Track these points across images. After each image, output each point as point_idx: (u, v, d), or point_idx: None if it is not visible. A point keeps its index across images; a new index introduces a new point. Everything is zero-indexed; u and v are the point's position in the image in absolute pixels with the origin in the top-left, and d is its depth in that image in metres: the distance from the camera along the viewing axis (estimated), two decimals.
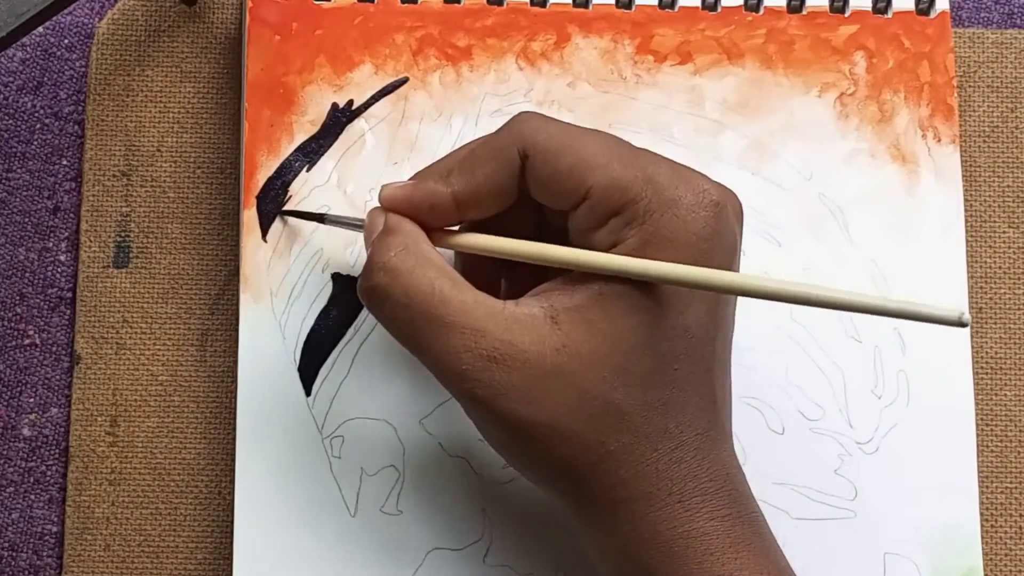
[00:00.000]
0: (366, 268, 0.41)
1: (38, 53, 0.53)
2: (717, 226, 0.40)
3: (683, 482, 0.39)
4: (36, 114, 0.52)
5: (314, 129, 0.49)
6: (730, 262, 0.41)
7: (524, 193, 0.42)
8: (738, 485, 0.41)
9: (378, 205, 0.43)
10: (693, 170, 0.41)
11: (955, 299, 0.49)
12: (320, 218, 0.48)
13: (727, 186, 0.41)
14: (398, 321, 0.41)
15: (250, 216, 0.49)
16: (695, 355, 0.40)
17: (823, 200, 0.50)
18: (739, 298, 0.43)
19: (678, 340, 0.40)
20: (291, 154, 0.49)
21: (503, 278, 0.46)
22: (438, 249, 0.42)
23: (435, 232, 0.43)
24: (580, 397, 0.39)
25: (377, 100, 0.50)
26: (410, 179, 0.44)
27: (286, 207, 0.49)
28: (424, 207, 0.42)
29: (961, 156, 0.51)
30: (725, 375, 0.42)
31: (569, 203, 0.41)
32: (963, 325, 0.36)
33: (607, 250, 0.40)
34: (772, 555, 0.40)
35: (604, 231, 0.40)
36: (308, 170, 0.49)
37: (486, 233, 0.42)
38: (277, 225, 0.49)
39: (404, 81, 0.50)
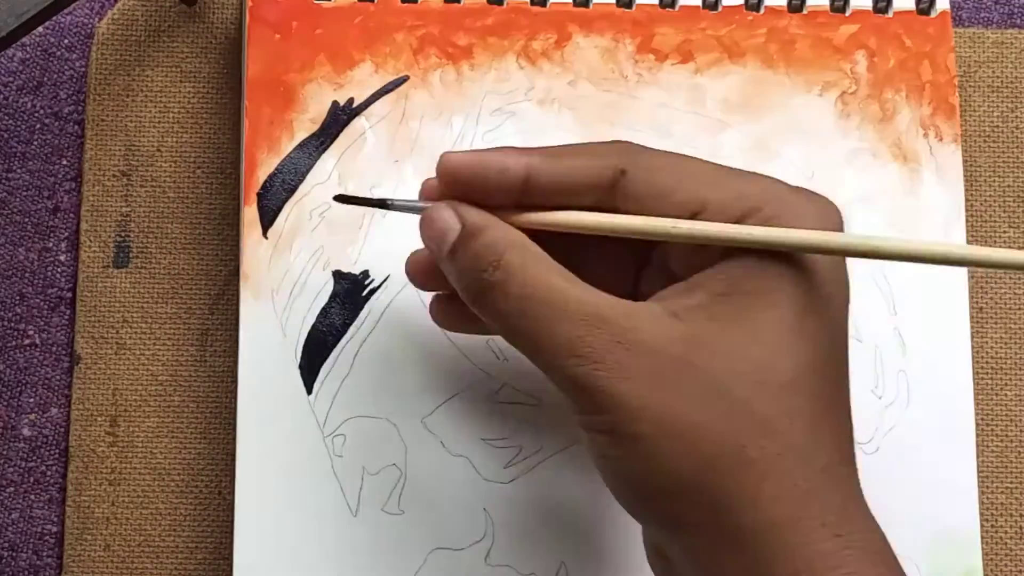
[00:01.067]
0: (468, 270, 0.39)
1: (38, 53, 0.53)
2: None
3: (839, 511, 0.35)
4: (36, 114, 0.52)
5: (315, 127, 0.49)
6: (848, 283, 0.38)
7: (600, 207, 0.39)
8: (878, 527, 0.36)
9: (439, 201, 0.40)
10: (811, 190, 0.39)
11: (958, 300, 0.50)
12: (382, 204, 0.43)
13: None
14: (514, 317, 0.38)
15: (251, 213, 0.48)
16: (830, 369, 0.37)
17: None
18: None
19: (820, 348, 0.36)
20: (292, 151, 0.49)
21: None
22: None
23: (516, 210, 0.40)
24: (715, 391, 0.35)
25: (377, 99, 0.50)
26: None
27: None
28: (492, 171, 0.39)
29: (962, 155, 0.51)
30: (850, 405, 0.38)
31: (679, 213, 0.38)
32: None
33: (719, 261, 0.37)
34: None
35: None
36: (309, 169, 0.49)
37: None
38: (278, 222, 0.49)
39: (404, 80, 0.50)
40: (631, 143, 0.39)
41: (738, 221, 0.37)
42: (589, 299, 0.37)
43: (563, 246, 0.40)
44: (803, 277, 0.37)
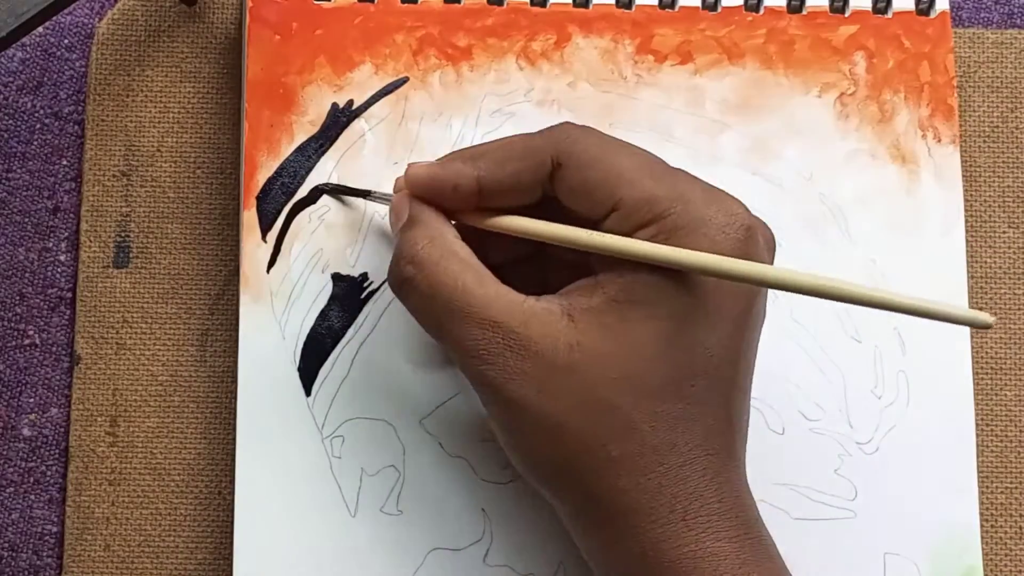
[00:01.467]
0: (395, 259, 0.43)
1: (38, 53, 0.53)
2: (746, 249, 0.40)
3: (688, 500, 0.39)
4: (36, 114, 0.52)
5: (314, 129, 0.49)
6: (755, 290, 0.41)
7: (547, 196, 0.43)
8: (748, 510, 0.41)
9: (403, 188, 0.44)
10: (728, 194, 0.41)
11: (958, 300, 0.50)
12: (365, 194, 0.48)
13: (760, 218, 0.41)
14: (423, 311, 0.42)
15: (250, 216, 0.49)
16: (713, 375, 0.40)
17: (823, 200, 0.50)
18: (763, 327, 0.43)
19: (697, 356, 0.40)
20: (291, 154, 0.49)
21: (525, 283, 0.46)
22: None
23: (468, 212, 0.44)
24: (588, 396, 0.39)
25: (377, 100, 0.50)
26: (438, 160, 0.44)
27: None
28: (448, 187, 0.43)
29: (961, 156, 0.51)
30: (743, 402, 0.42)
31: (598, 213, 0.41)
32: (986, 327, 0.37)
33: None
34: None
35: None
36: (308, 172, 0.49)
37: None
38: (277, 225, 0.49)
39: (404, 81, 0.50)
40: (572, 129, 0.42)
41: (644, 225, 0.40)
42: (488, 301, 0.41)
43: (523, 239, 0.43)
44: (686, 291, 0.40)
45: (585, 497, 0.40)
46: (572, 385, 0.39)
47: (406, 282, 0.42)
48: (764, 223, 0.41)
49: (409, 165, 0.44)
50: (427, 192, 0.43)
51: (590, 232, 0.41)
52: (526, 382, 0.40)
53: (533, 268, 0.45)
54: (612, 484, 0.39)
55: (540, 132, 0.43)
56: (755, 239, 0.40)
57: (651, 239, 0.40)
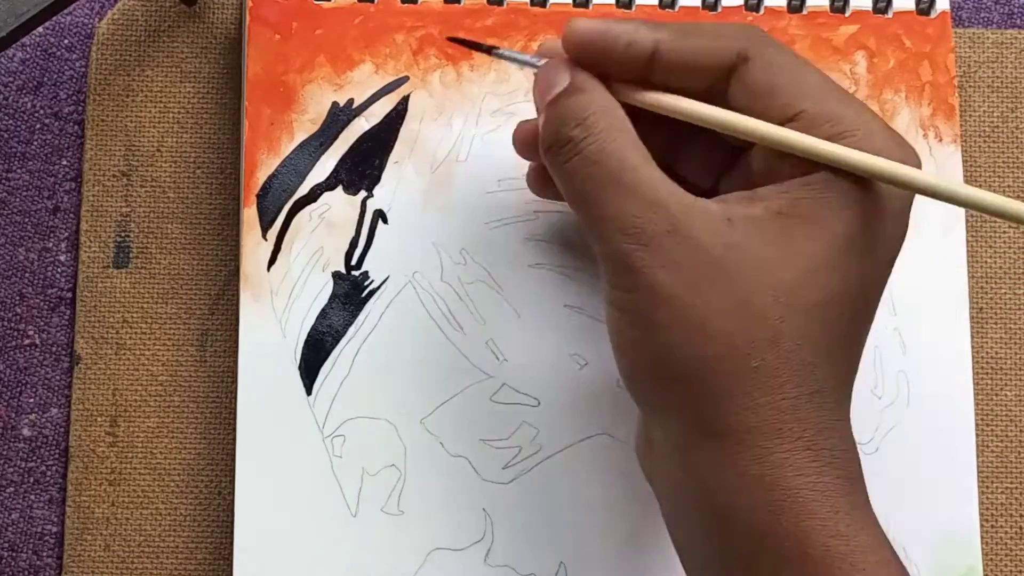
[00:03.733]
0: (556, 119, 0.40)
1: (38, 53, 0.53)
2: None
3: (815, 431, 0.37)
4: (36, 114, 0.52)
5: (314, 128, 0.49)
6: (906, 224, 0.40)
7: (712, 91, 0.40)
8: (858, 455, 0.39)
9: (557, 58, 0.41)
10: (906, 141, 0.40)
11: (958, 300, 0.50)
12: (489, 50, 0.45)
13: None
14: (581, 178, 0.39)
15: (250, 214, 0.49)
16: (860, 306, 0.39)
17: None
18: None
19: (852, 285, 0.38)
20: (291, 152, 0.49)
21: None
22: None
23: (628, 85, 0.41)
24: (740, 299, 0.37)
25: (378, 99, 0.50)
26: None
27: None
28: (620, 44, 0.40)
29: (961, 156, 0.51)
30: (865, 341, 0.40)
31: (775, 119, 0.39)
32: None
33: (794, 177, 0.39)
34: (884, 537, 0.38)
35: (801, 159, 0.39)
36: (309, 170, 0.49)
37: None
38: (277, 223, 0.49)
39: (405, 80, 0.50)
40: (758, 29, 0.41)
41: (827, 140, 0.38)
42: (654, 182, 0.38)
43: (662, 132, 0.41)
44: (857, 213, 0.38)
45: (711, 406, 0.38)
46: (724, 285, 0.37)
47: (571, 143, 0.39)
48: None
49: (571, 20, 0.40)
50: (592, 49, 0.40)
51: (777, 127, 0.39)
52: (678, 272, 0.37)
53: (675, 174, 0.42)
54: (746, 396, 0.37)
55: (729, 23, 0.41)
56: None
57: None
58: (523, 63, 0.43)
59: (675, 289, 0.37)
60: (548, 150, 0.40)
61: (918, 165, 0.39)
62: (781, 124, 0.39)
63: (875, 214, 0.39)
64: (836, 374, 0.38)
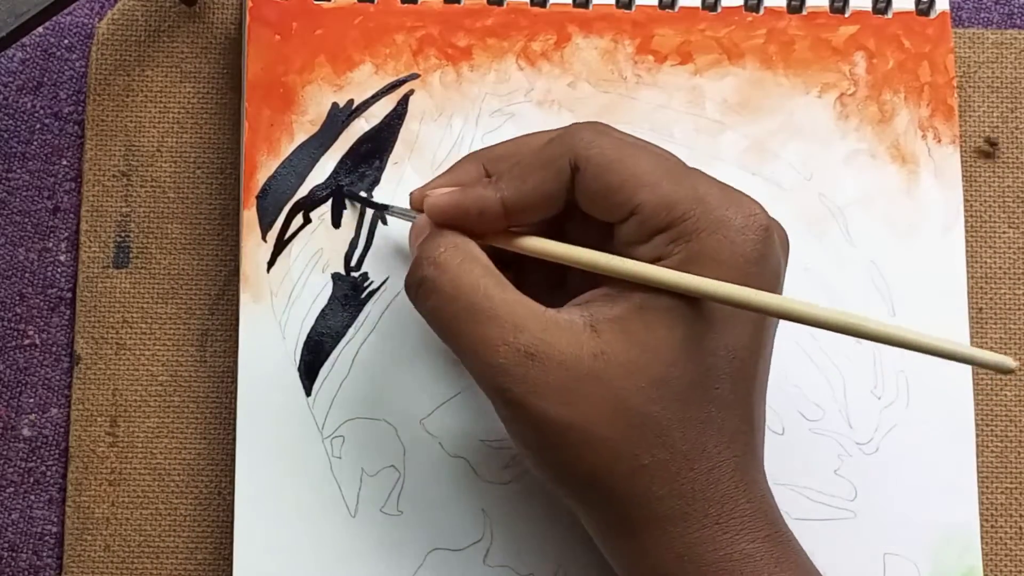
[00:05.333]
0: (415, 263, 0.42)
1: (38, 53, 0.53)
2: (764, 250, 0.39)
3: (720, 504, 0.39)
4: (36, 114, 0.52)
5: (314, 129, 0.49)
6: (774, 288, 0.40)
7: (571, 203, 0.42)
8: (774, 509, 0.41)
9: (421, 207, 0.44)
10: (743, 193, 0.41)
11: (958, 301, 0.49)
12: (383, 208, 0.48)
13: (774, 218, 0.41)
14: (442, 314, 0.41)
15: (250, 216, 0.49)
16: (737, 376, 0.40)
17: (823, 200, 0.50)
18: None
19: (721, 359, 0.39)
20: (291, 153, 0.49)
21: (545, 288, 0.45)
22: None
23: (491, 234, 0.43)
24: (616, 405, 0.39)
25: (380, 98, 0.50)
26: (449, 174, 0.44)
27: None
28: (473, 213, 0.42)
29: (961, 156, 0.51)
30: (763, 399, 0.42)
31: (617, 217, 0.40)
32: (1008, 371, 0.36)
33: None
34: (814, 573, 0.40)
35: (649, 246, 0.40)
36: (308, 172, 0.49)
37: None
38: (277, 225, 0.49)
39: (414, 77, 0.50)
40: (586, 131, 0.41)
41: (664, 229, 0.40)
42: (510, 306, 0.40)
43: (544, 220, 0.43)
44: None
45: (618, 506, 0.39)
46: (598, 394, 0.39)
47: (426, 282, 0.41)
48: (778, 223, 0.41)
49: (427, 195, 0.43)
50: (452, 221, 0.43)
51: (610, 256, 0.40)
52: (550, 394, 0.39)
53: (550, 268, 0.44)
54: (645, 491, 0.39)
55: (552, 138, 0.42)
56: (772, 240, 0.40)
57: (672, 243, 0.39)
58: (408, 218, 0.46)
59: (550, 412, 0.39)
60: (409, 292, 0.42)
61: (756, 229, 0.40)
62: (624, 220, 0.40)
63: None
64: (733, 444, 0.40)
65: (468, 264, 0.41)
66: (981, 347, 0.51)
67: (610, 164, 0.40)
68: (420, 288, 0.41)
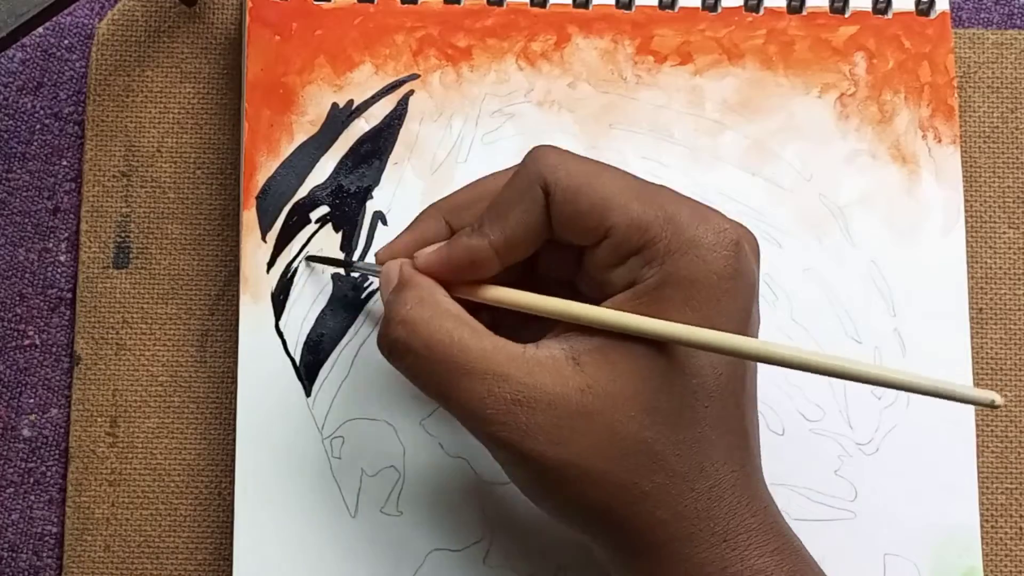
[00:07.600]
0: (384, 323, 0.41)
1: (38, 53, 0.53)
2: (737, 265, 0.39)
3: (726, 521, 0.39)
4: (36, 114, 0.52)
5: (314, 129, 0.49)
6: (750, 301, 0.40)
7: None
8: (779, 519, 0.40)
9: (393, 259, 0.44)
10: (711, 208, 0.41)
11: (958, 302, 0.49)
12: (347, 264, 0.48)
13: (743, 224, 0.41)
14: (420, 372, 0.40)
15: (250, 217, 0.49)
16: (725, 391, 0.40)
17: (823, 201, 0.50)
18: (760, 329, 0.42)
19: (707, 377, 0.39)
20: (291, 154, 0.49)
21: (521, 318, 0.45)
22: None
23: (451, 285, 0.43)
24: (609, 437, 0.38)
25: (380, 98, 0.50)
26: (401, 238, 0.45)
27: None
28: (465, 265, 0.42)
29: (961, 156, 0.51)
30: (754, 410, 0.42)
31: (589, 240, 0.40)
32: (994, 407, 0.35)
33: (625, 288, 0.40)
34: None
35: (623, 269, 0.40)
36: (308, 172, 0.49)
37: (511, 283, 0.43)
38: (277, 226, 0.49)
39: (414, 77, 0.50)
40: (550, 155, 0.41)
41: (637, 251, 0.39)
42: (488, 353, 0.39)
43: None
44: (694, 313, 0.39)
45: (625, 535, 0.39)
46: (590, 430, 0.38)
47: (398, 344, 0.41)
48: (748, 230, 0.41)
49: (416, 256, 0.43)
50: (446, 276, 0.42)
51: (580, 305, 0.40)
52: (542, 435, 0.38)
53: (537, 273, 0.44)
54: (649, 517, 0.39)
55: (517, 170, 0.42)
56: (743, 253, 0.40)
57: (646, 265, 0.39)
58: (373, 273, 0.47)
59: (546, 453, 0.39)
60: (383, 352, 0.42)
61: (727, 245, 0.39)
62: (597, 243, 0.40)
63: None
64: (730, 460, 0.40)
65: (438, 319, 0.40)
66: (981, 346, 0.51)
67: (579, 188, 0.40)
68: (393, 350, 0.41)
